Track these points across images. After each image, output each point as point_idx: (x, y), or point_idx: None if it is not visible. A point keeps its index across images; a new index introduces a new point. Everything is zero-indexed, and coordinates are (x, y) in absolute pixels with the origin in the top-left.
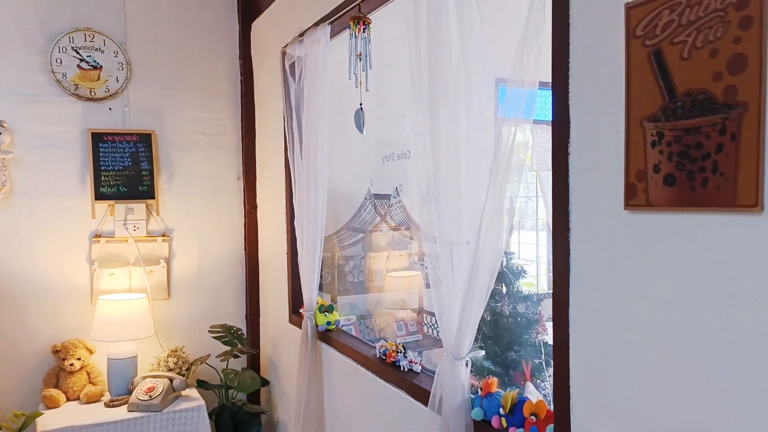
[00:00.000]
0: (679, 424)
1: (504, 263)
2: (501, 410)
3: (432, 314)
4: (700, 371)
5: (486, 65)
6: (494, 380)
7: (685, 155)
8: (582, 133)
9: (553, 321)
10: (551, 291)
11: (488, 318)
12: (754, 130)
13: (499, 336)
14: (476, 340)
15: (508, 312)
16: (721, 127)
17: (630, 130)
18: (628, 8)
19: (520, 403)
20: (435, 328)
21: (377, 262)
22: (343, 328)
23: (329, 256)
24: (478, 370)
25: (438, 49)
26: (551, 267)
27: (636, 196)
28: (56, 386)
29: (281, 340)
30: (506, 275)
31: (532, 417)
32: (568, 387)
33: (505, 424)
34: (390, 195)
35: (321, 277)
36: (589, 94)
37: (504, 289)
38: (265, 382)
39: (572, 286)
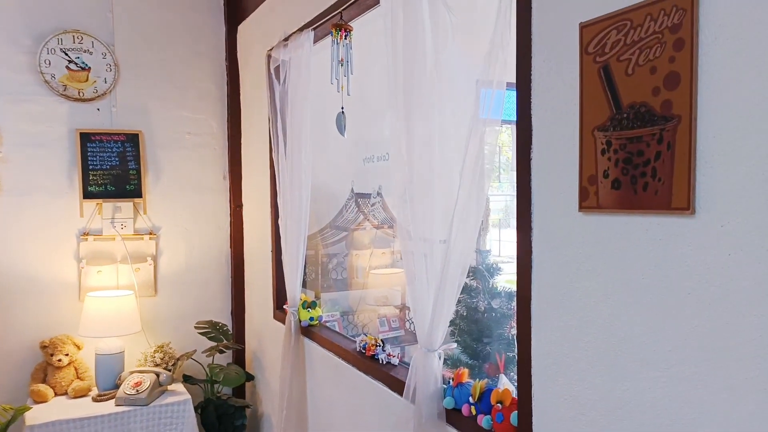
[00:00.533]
0: (623, 404)
1: (481, 261)
2: (470, 399)
3: None
4: (640, 356)
5: (458, 74)
6: (465, 371)
7: (629, 162)
8: (543, 140)
9: (517, 313)
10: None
11: (464, 313)
12: (686, 140)
13: (474, 330)
14: (453, 334)
15: (483, 308)
16: (659, 136)
17: (583, 138)
18: (582, 27)
19: (488, 391)
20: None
21: (361, 260)
22: (327, 324)
23: (313, 253)
24: (454, 363)
25: (413, 59)
26: (517, 265)
27: (588, 199)
28: (44, 381)
29: (266, 336)
30: (482, 272)
31: (498, 404)
32: (530, 375)
33: (474, 412)
34: (371, 194)
35: (305, 274)
36: (549, 104)
37: (480, 285)
38: (250, 377)
39: (534, 281)
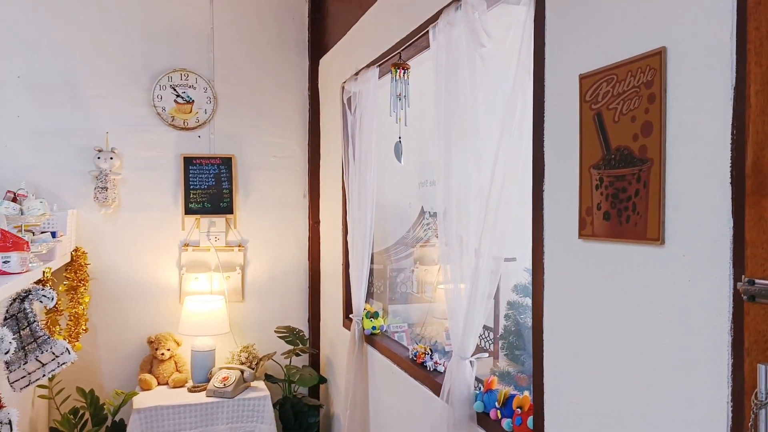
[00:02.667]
0: (614, 410)
1: (530, 279)
2: (496, 404)
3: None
4: (626, 368)
5: (490, 114)
6: (494, 379)
7: (616, 197)
8: (552, 176)
9: (533, 329)
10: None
11: (513, 329)
12: (657, 181)
13: (521, 345)
14: (503, 347)
15: (529, 324)
16: (638, 176)
17: (582, 175)
18: (581, 78)
19: (511, 398)
20: (483, 338)
21: (429, 275)
22: (395, 335)
23: (381, 268)
24: (502, 375)
25: (454, 101)
26: (532, 284)
27: (586, 228)
28: (150, 372)
29: (337, 342)
30: (530, 290)
31: (518, 409)
32: (543, 384)
33: (500, 416)
34: (435, 213)
35: (373, 286)
36: (557, 143)
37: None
38: (323, 380)
39: (546, 299)
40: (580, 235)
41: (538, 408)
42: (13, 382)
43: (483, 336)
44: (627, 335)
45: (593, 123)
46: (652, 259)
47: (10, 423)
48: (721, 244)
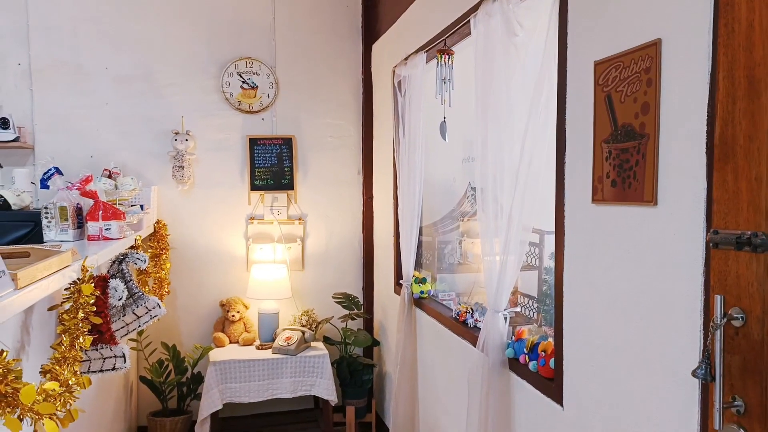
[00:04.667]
0: (619, 345)
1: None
2: (525, 350)
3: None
4: (628, 312)
5: (523, 96)
6: (525, 329)
7: (620, 166)
8: (571, 149)
9: (555, 282)
10: None
11: (549, 292)
12: (653, 152)
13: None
14: (539, 310)
15: None
16: (638, 149)
17: (595, 148)
18: (595, 64)
19: (537, 344)
20: (528, 308)
21: (475, 247)
22: (443, 302)
23: (430, 239)
24: (536, 331)
25: (490, 85)
26: (555, 244)
27: (597, 194)
28: (222, 331)
29: (388, 307)
30: None
31: (542, 353)
32: (562, 329)
33: (527, 360)
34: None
35: (422, 257)
36: (575, 121)
37: None
38: (376, 342)
39: (566, 256)
40: (593, 200)
41: (558, 349)
42: (114, 332)
43: (527, 305)
44: (629, 281)
45: (604, 103)
46: (647, 218)
47: (123, 356)
48: (698, 203)
